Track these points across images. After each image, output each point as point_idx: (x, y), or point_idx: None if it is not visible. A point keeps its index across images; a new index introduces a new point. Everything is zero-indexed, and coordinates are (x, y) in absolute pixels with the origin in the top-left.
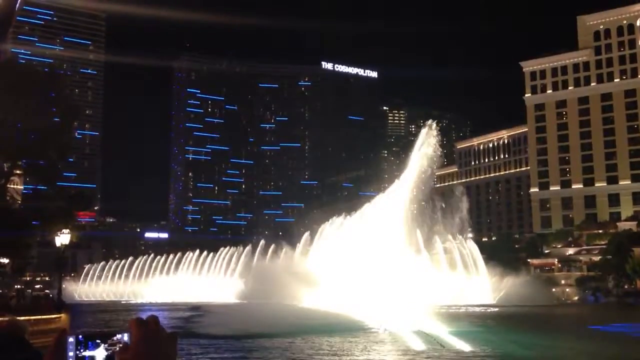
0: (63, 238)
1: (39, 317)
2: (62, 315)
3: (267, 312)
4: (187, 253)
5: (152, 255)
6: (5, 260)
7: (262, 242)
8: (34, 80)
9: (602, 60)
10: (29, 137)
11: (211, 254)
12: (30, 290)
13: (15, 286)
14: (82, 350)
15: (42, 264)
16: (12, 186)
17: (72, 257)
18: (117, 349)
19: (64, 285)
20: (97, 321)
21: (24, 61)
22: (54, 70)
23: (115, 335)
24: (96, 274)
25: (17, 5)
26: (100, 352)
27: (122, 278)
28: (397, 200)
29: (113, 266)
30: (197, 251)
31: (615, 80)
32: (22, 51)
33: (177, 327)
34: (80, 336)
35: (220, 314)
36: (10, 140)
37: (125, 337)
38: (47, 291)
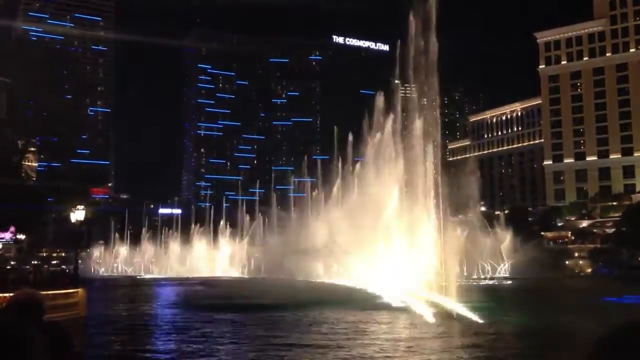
0: (78, 214)
1: (57, 291)
2: (80, 290)
3: (281, 286)
4: (199, 227)
5: (165, 230)
6: (22, 237)
7: (274, 217)
8: (46, 58)
9: (618, 30)
10: (42, 114)
11: (222, 230)
12: (47, 266)
13: (32, 262)
14: None
15: (58, 240)
16: (27, 163)
17: (87, 233)
18: None
19: (79, 261)
20: (114, 297)
21: (35, 38)
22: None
23: None
24: (110, 250)
25: None
26: None
27: (136, 253)
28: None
29: (127, 242)
30: (210, 226)
31: (631, 50)
32: (34, 28)
33: (190, 301)
34: None
35: (232, 289)
36: (23, 117)
37: None
38: (63, 266)
